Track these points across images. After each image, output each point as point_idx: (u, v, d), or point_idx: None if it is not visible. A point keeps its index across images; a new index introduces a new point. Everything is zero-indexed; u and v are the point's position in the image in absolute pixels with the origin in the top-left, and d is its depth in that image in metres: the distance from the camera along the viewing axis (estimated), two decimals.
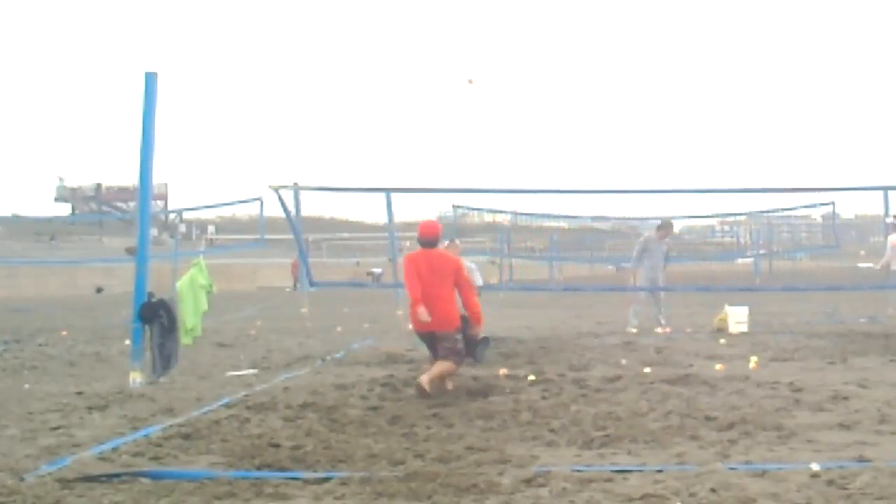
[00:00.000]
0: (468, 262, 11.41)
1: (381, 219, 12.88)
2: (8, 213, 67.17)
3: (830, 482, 4.52)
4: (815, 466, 4.79)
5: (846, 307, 17.63)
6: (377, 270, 46.15)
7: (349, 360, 10.40)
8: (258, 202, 22.48)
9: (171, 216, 60.61)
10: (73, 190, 76.07)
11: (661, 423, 6.15)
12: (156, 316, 8.63)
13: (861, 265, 13.77)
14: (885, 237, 14.86)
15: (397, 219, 12.52)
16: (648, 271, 14.40)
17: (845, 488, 4.40)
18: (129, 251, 27.61)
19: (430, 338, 8.04)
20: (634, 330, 13.78)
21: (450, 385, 7.81)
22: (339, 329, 15.25)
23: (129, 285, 9.16)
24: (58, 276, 37.16)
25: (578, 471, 4.81)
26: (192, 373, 9.39)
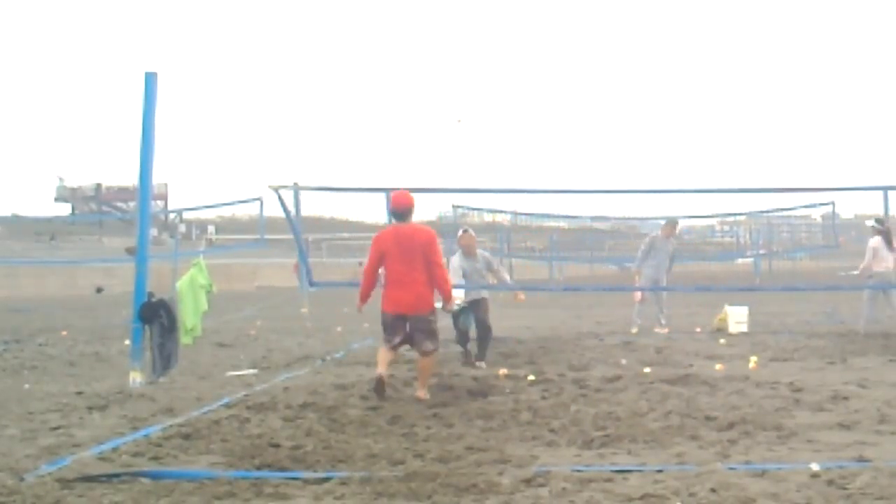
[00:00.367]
0: (486, 254, 11.30)
1: (382, 219, 12.85)
2: (8, 213, 67.07)
3: (830, 482, 4.52)
4: (814, 466, 4.79)
5: (846, 307, 17.60)
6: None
7: (349, 360, 10.39)
8: (258, 202, 22.50)
9: (171, 216, 60.54)
10: (73, 190, 75.96)
11: (661, 423, 6.15)
12: (156, 316, 8.63)
13: (841, 273, 13.72)
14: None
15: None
16: (652, 271, 14.39)
17: (845, 488, 4.41)
18: (129, 251, 27.59)
19: (402, 321, 7.63)
20: (635, 330, 13.78)
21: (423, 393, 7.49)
22: (339, 329, 15.24)
23: (129, 285, 9.15)
24: (58, 276, 37.08)
25: (578, 471, 4.82)
26: (192, 373, 9.39)
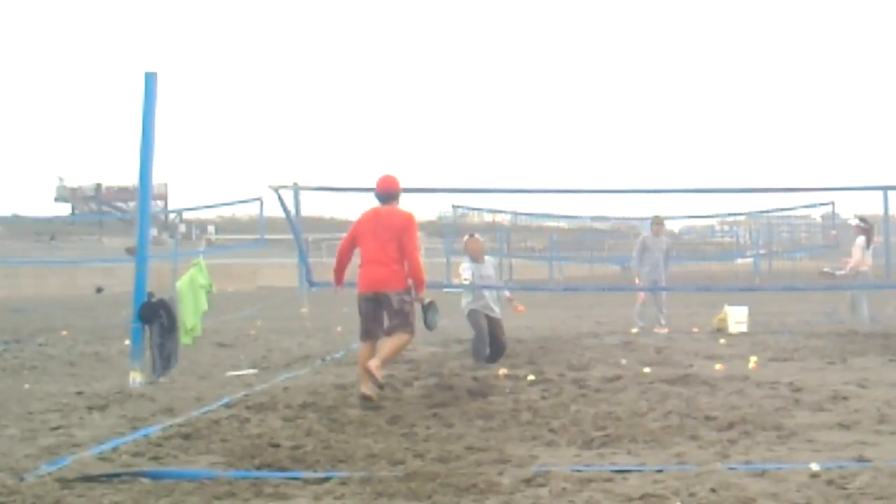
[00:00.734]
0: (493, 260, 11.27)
1: None
2: (8, 213, 67.11)
3: (830, 482, 4.52)
4: (814, 466, 4.79)
5: (846, 307, 17.59)
6: None
7: (349, 360, 10.39)
8: (258, 202, 22.53)
9: (171, 216, 60.62)
10: (73, 190, 75.99)
11: (661, 423, 6.15)
12: (156, 316, 8.63)
13: (825, 270, 13.56)
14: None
15: None
16: (649, 271, 14.41)
17: (845, 488, 4.41)
18: (129, 251, 27.58)
19: (376, 305, 7.37)
20: (635, 330, 13.79)
21: (378, 374, 7.01)
22: (339, 329, 15.24)
23: (129, 285, 9.16)
24: (58, 276, 37.13)
25: (578, 471, 4.82)
26: (192, 373, 9.39)
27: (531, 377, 8.55)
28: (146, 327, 8.60)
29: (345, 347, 11.95)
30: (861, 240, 13.05)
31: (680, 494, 4.34)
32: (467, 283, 10.22)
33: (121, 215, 69.58)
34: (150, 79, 8.59)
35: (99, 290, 36.42)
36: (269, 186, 11.68)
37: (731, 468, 4.85)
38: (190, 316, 9.69)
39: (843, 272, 13.34)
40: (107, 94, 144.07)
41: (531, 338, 12.83)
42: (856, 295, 13.20)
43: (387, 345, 7.25)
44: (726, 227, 79.60)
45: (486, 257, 10.76)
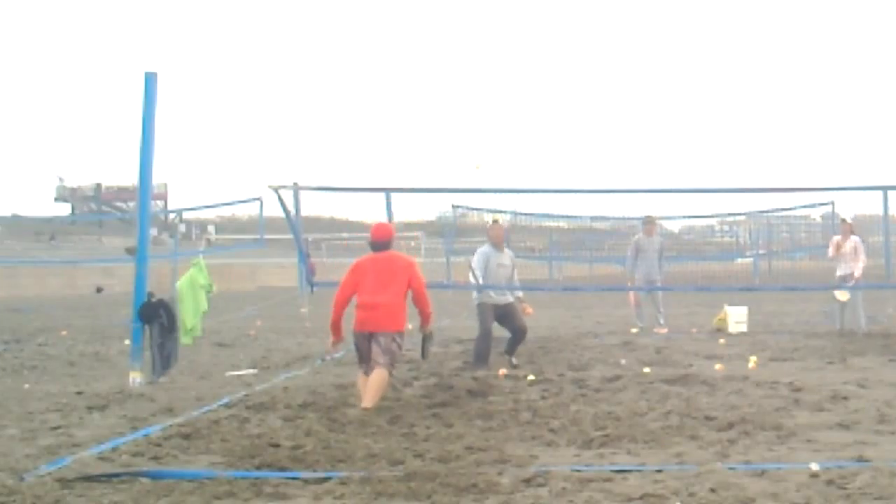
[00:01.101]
0: (512, 254, 10.96)
1: (381, 219, 12.79)
2: (8, 213, 67.12)
3: (830, 482, 4.53)
4: (814, 466, 4.80)
5: (849, 310, 17.58)
6: None
7: (349, 360, 10.38)
8: (258, 202, 22.47)
9: (171, 216, 60.56)
10: (73, 190, 75.99)
11: (661, 423, 6.16)
12: (155, 316, 8.64)
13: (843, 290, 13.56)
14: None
15: (397, 219, 12.48)
16: (644, 271, 14.38)
17: (845, 488, 4.41)
18: (129, 251, 27.56)
19: (368, 341, 7.33)
20: (635, 330, 13.79)
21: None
22: None
23: (129, 285, 9.16)
24: (58, 276, 37.11)
25: (578, 471, 4.82)
26: (192, 373, 9.39)
27: (531, 377, 8.55)
28: (146, 327, 8.60)
29: (345, 347, 11.93)
30: (858, 239, 13.03)
31: (680, 494, 4.34)
32: (473, 270, 9.99)
33: (121, 215, 69.60)
34: (150, 79, 8.60)
35: (99, 290, 36.40)
36: (269, 186, 11.66)
37: (731, 468, 4.85)
38: (190, 316, 9.72)
39: (858, 275, 13.19)
40: (107, 94, 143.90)
41: (531, 338, 12.77)
42: (856, 297, 13.19)
43: (370, 386, 7.10)
44: (726, 227, 79.52)
45: (506, 250, 10.54)
